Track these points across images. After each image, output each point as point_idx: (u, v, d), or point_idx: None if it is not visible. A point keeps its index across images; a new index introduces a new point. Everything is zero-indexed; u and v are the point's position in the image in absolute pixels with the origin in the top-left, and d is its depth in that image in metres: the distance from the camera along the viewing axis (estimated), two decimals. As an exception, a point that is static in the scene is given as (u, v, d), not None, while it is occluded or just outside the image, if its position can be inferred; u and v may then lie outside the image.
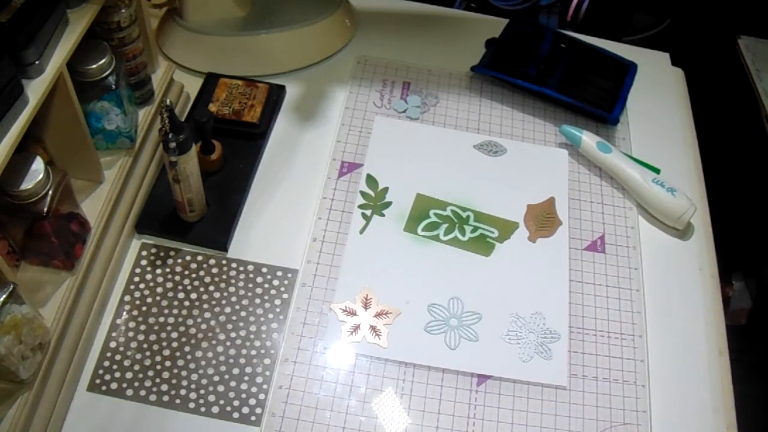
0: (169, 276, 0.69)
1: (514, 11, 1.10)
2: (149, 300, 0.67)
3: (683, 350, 0.69)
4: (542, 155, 0.82)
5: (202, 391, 0.62)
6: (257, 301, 0.68)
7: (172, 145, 0.61)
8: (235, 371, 0.64)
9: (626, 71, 0.87)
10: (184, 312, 0.67)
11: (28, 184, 0.54)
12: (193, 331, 0.66)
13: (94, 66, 0.62)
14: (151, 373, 0.63)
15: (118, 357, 0.63)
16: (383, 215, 0.75)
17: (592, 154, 0.80)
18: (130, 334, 0.65)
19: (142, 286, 0.68)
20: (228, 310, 0.67)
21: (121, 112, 0.66)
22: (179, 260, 0.70)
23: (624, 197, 0.80)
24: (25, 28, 0.51)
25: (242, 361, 0.64)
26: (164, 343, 0.64)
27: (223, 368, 0.64)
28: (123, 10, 0.66)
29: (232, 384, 0.63)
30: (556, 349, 0.67)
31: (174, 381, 0.63)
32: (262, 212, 0.74)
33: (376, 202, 0.76)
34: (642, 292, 0.72)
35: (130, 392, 0.62)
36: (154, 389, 0.62)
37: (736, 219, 1.21)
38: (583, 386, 0.66)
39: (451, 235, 0.74)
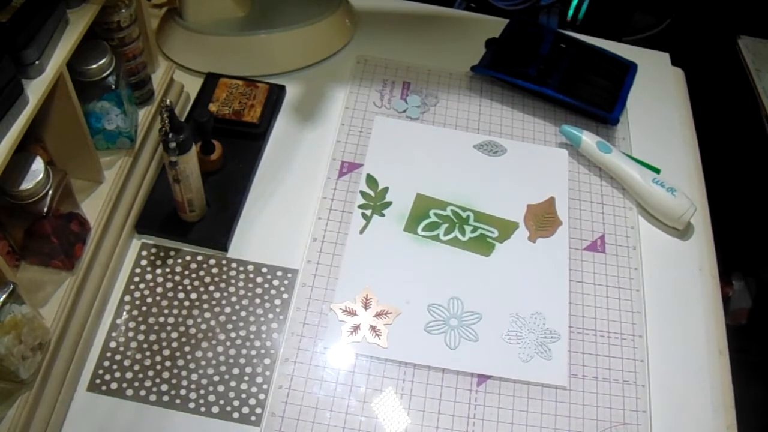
0: (169, 276, 0.69)
1: (514, 11, 1.10)
2: (149, 300, 0.67)
3: (683, 350, 0.69)
4: (542, 155, 0.82)
5: (202, 391, 0.62)
6: (257, 301, 0.68)
7: (172, 145, 0.61)
8: (235, 371, 0.64)
9: (626, 71, 0.87)
10: (184, 312, 0.67)
11: (28, 184, 0.54)
12: (193, 331, 0.66)
13: (94, 66, 0.62)
14: (151, 373, 0.63)
15: (118, 357, 0.63)
16: (383, 215, 0.75)
17: (592, 154, 0.80)
18: (130, 334, 0.65)
19: (142, 286, 0.68)
20: (228, 310, 0.67)
21: (121, 112, 0.66)
22: (179, 260, 0.70)
23: (624, 197, 0.80)
24: (25, 28, 0.51)
25: (242, 361, 0.64)
26: (164, 343, 0.64)
27: (223, 368, 0.64)
28: (123, 10, 0.66)
29: (232, 384, 0.63)
30: (556, 349, 0.67)
31: (174, 381, 0.63)
32: (262, 212, 0.75)
33: (376, 202, 0.76)
34: (642, 292, 0.72)
35: (130, 392, 0.62)
36: (154, 389, 0.62)
37: (736, 219, 1.21)
38: (583, 386, 0.66)
39: (451, 235, 0.74)
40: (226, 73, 0.83)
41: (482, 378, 0.65)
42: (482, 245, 0.74)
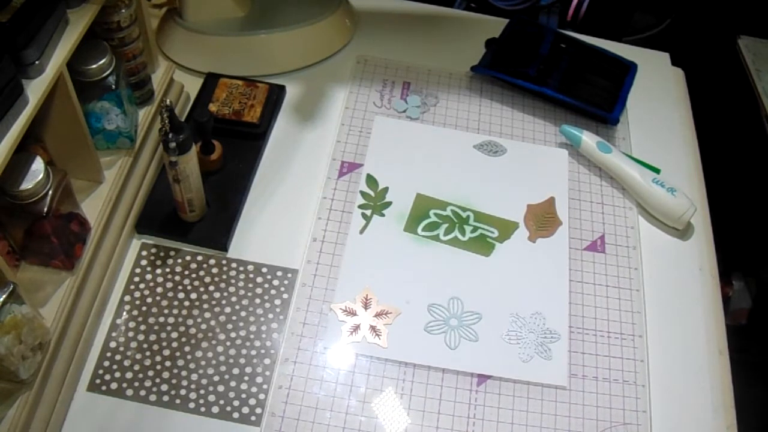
0: (169, 276, 0.69)
1: (514, 11, 1.10)
2: (149, 300, 0.67)
3: (683, 350, 0.69)
4: (542, 155, 0.82)
5: (202, 391, 0.62)
6: (257, 301, 0.68)
7: (172, 145, 0.61)
8: (235, 371, 0.64)
9: (626, 71, 0.87)
10: (184, 312, 0.67)
11: (28, 184, 0.54)
12: (193, 331, 0.66)
13: (94, 66, 0.62)
14: (151, 373, 0.63)
15: (118, 357, 0.63)
16: (383, 215, 0.75)
17: (592, 154, 0.80)
18: (130, 334, 0.65)
19: (142, 286, 0.68)
20: (228, 310, 0.67)
21: (121, 112, 0.66)
22: (179, 260, 0.70)
23: (624, 197, 0.80)
24: (25, 28, 0.51)
25: (242, 361, 0.64)
26: (164, 343, 0.64)
27: (223, 368, 0.64)
28: (123, 10, 0.66)
29: (232, 384, 0.63)
30: (556, 349, 0.67)
31: (174, 381, 0.63)
32: (262, 212, 0.75)
33: (376, 202, 0.76)
34: (642, 292, 0.72)
35: (130, 392, 0.62)
36: (154, 389, 0.62)
37: (736, 219, 1.21)
38: (583, 386, 0.66)
39: (451, 235, 0.74)
40: (226, 73, 0.83)
41: (482, 378, 0.65)
42: (482, 245, 0.74)
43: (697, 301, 0.73)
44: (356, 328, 0.67)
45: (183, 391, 0.62)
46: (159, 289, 0.68)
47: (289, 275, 0.70)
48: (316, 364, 0.64)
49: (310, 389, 0.63)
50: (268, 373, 0.64)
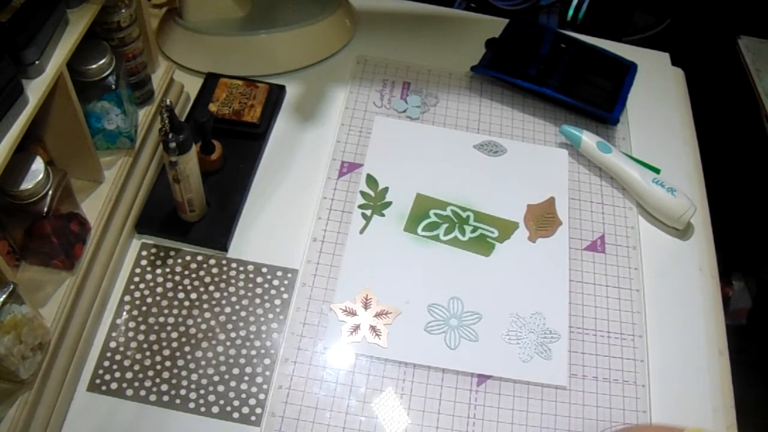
0: (169, 276, 0.69)
1: (514, 11, 1.10)
2: (149, 300, 0.67)
3: (683, 350, 0.69)
4: (542, 155, 0.82)
5: (202, 391, 0.62)
6: (257, 301, 0.68)
7: (172, 145, 0.61)
8: (235, 371, 0.64)
9: (626, 71, 0.87)
10: (184, 312, 0.67)
11: (28, 184, 0.54)
12: (193, 331, 0.66)
13: (94, 66, 0.62)
14: (151, 373, 0.63)
15: (118, 357, 0.63)
16: (383, 215, 0.75)
17: (592, 154, 0.80)
18: (130, 334, 0.65)
19: (142, 286, 0.68)
20: (228, 310, 0.67)
21: (121, 112, 0.66)
22: (179, 260, 0.70)
23: (624, 197, 0.80)
24: (25, 28, 0.52)
25: (242, 361, 0.64)
26: (164, 343, 0.64)
27: (223, 368, 0.64)
28: (123, 10, 0.66)
29: (232, 384, 0.63)
30: (556, 349, 0.67)
31: (174, 381, 0.63)
32: (262, 212, 0.75)
33: (376, 202, 0.76)
34: (642, 292, 0.72)
35: (130, 392, 0.62)
36: (154, 389, 0.62)
37: (736, 219, 1.21)
38: (583, 386, 0.66)
39: (451, 235, 0.74)
40: (226, 73, 0.83)
41: (482, 378, 0.65)
42: (482, 245, 0.74)
43: (697, 301, 0.73)
44: (356, 328, 0.67)
45: (183, 391, 0.62)
46: (159, 289, 0.68)
47: (289, 275, 0.70)
48: (316, 364, 0.65)
49: (310, 389, 0.63)
50: (268, 373, 0.64)
